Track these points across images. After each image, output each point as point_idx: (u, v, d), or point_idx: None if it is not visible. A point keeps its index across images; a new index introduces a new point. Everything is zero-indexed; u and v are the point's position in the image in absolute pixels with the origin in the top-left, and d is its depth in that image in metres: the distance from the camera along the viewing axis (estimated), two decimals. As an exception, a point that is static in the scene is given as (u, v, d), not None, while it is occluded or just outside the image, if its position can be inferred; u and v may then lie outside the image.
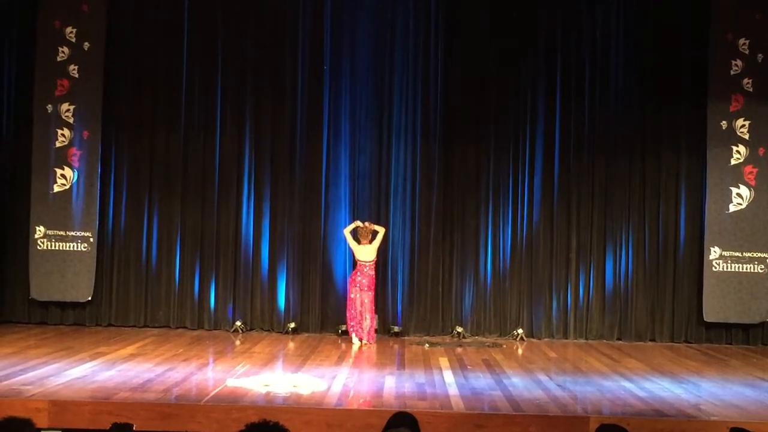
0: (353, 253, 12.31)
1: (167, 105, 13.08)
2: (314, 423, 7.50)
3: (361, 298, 12.01)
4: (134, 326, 12.83)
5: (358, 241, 12.20)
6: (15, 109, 13.01)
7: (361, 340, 11.92)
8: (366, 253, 12.13)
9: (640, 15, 13.00)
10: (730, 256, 12.55)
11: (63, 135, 12.67)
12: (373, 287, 12.16)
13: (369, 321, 12.01)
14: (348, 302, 12.20)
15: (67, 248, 12.63)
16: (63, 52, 12.68)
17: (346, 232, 12.34)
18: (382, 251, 12.50)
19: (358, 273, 12.11)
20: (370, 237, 12.19)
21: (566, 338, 12.90)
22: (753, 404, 8.45)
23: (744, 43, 12.58)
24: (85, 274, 12.68)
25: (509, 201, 13.09)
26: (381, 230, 12.29)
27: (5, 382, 8.41)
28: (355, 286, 12.07)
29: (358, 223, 12.36)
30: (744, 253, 12.55)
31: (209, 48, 13.07)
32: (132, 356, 10.26)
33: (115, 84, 12.99)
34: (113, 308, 12.94)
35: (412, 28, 13.06)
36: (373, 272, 12.16)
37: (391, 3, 13.10)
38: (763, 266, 12.54)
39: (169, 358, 10.21)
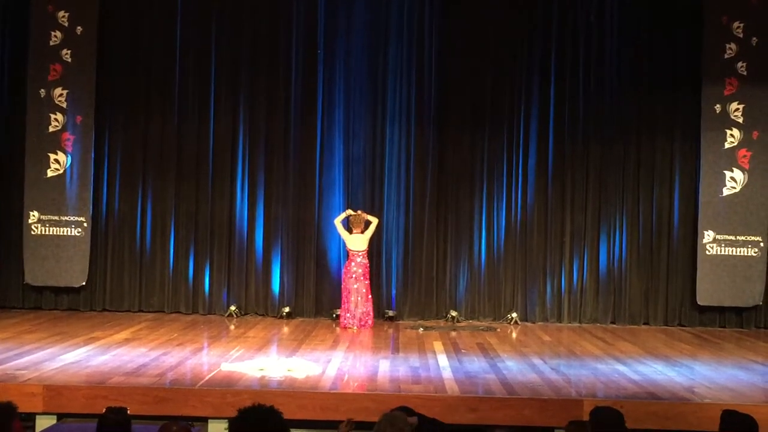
0: (345, 243, 12.30)
1: (161, 90, 13.04)
2: (309, 407, 7.53)
3: (357, 287, 11.99)
4: (128, 311, 12.83)
5: (350, 230, 12.18)
6: (8, 94, 12.96)
7: (354, 327, 11.89)
8: (357, 242, 12.11)
9: (634, -1, 13.01)
10: (723, 239, 12.57)
11: (56, 120, 12.63)
12: (367, 276, 12.14)
13: (365, 308, 12.00)
14: (342, 292, 12.18)
15: (61, 233, 12.61)
16: (56, 36, 12.62)
17: (337, 222, 12.31)
18: (376, 236, 12.51)
19: (352, 263, 12.09)
20: (362, 226, 12.17)
21: (560, 322, 12.93)
22: (746, 387, 8.48)
23: (738, 27, 12.56)
24: (79, 259, 12.66)
25: (503, 185, 13.08)
26: (374, 221, 12.28)
27: (0, 367, 8.41)
28: (350, 277, 12.06)
29: (350, 211, 12.34)
30: (738, 237, 12.56)
31: (203, 32, 13.02)
32: (126, 341, 10.26)
33: (109, 68, 12.94)
34: (107, 293, 12.94)
35: (407, 13, 13.01)
36: (366, 261, 12.14)
37: (385, -14, 13.08)
38: (756, 250, 12.56)
39: (164, 343, 10.22)
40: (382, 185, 13.02)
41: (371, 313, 12.13)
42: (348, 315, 12.01)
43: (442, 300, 13.05)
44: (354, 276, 12.03)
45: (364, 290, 12.05)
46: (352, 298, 12.00)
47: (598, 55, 13.01)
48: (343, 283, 12.20)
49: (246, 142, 13.03)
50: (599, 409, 5.47)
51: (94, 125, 12.74)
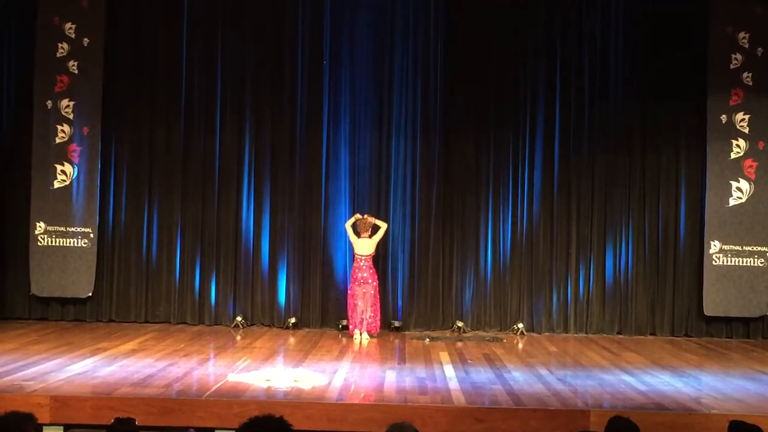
0: (352, 247, 12.32)
1: (167, 100, 13.07)
2: (315, 417, 7.53)
3: (363, 291, 12.00)
4: (135, 322, 12.83)
5: (358, 235, 12.20)
6: (15, 105, 13.01)
7: (361, 333, 11.90)
8: (364, 246, 12.14)
9: (639, 9, 12.98)
10: (730, 249, 12.55)
11: (63, 131, 12.67)
12: (375, 279, 12.16)
13: (372, 313, 12.02)
14: (348, 299, 12.21)
15: (68, 244, 12.63)
16: (62, 47, 12.67)
17: (348, 225, 12.35)
18: (382, 246, 12.52)
19: (357, 269, 12.12)
20: (369, 230, 12.19)
21: (566, 332, 12.91)
22: (753, 397, 8.47)
23: (744, 37, 12.57)
24: (86, 269, 12.68)
25: (509, 195, 13.08)
26: (383, 225, 12.30)
27: (7, 378, 8.43)
28: (357, 283, 12.07)
29: (358, 215, 12.37)
30: (744, 247, 12.54)
31: (209, 42, 13.06)
32: (133, 352, 10.27)
33: (115, 80, 12.96)
34: (114, 304, 12.94)
35: (412, 23, 13.03)
36: (371, 264, 12.16)
37: (391, -3, 13.12)
38: (763, 260, 12.54)
39: (170, 354, 10.22)
40: (387, 196, 13.03)
41: (378, 320, 12.13)
42: (355, 321, 12.03)
43: (448, 310, 13.04)
44: (362, 281, 12.05)
45: (372, 292, 12.06)
46: (359, 303, 12.01)
47: (603, 66, 13.01)
48: (350, 290, 12.22)
49: (252, 153, 13.05)
50: (616, 419, 5.47)
51: (100, 136, 12.78)
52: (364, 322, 11.99)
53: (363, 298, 12.02)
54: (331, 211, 13.02)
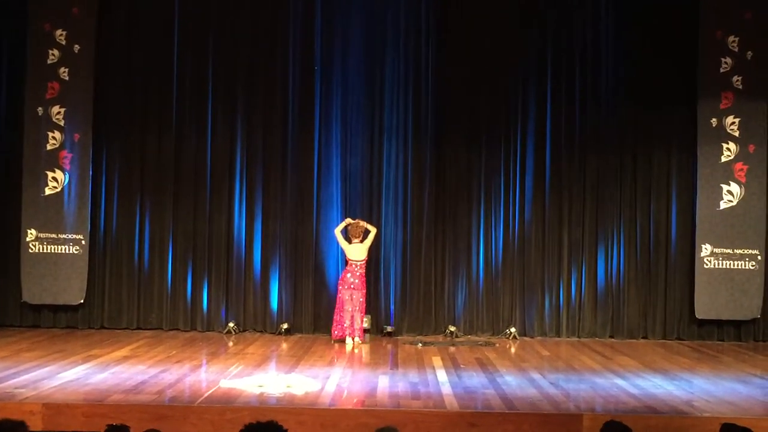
0: (344, 253, 12.32)
1: (158, 107, 13.06)
2: (308, 423, 7.51)
3: (351, 297, 12.00)
4: (127, 328, 12.80)
5: (349, 240, 12.20)
6: (5, 112, 12.97)
7: (353, 339, 11.91)
8: (357, 252, 12.13)
9: (630, 13, 13.02)
10: (721, 253, 12.58)
11: (54, 138, 12.64)
12: (364, 286, 12.15)
13: (359, 320, 12.02)
14: (337, 303, 12.20)
15: (59, 251, 12.60)
16: (53, 54, 12.65)
17: (337, 231, 12.34)
18: (374, 251, 12.52)
19: (349, 273, 12.10)
20: (361, 236, 12.19)
21: (559, 336, 12.92)
22: (745, 400, 8.48)
23: (733, 41, 12.61)
24: (77, 276, 12.65)
25: (501, 200, 13.10)
26: (373, 230, 12.30)
27: (-2, 386, 8.41)
28: (346, 287, 12.06)
29: (349, 220, 12.37)
30: (735, 250, 12.57)
31: (200, 49, 13.05)
32: (125, 358, 10.25)
33: (106, 86, 12.95)
34: (106, 311, 12.92)
35: (403, 28, 13.06)
36: (364, 271, 12.16)
37: (382, 3, 13.10)
38: (754, 263, 12.57)
39: (163, 360, 10.21)
40: (379, 201, 13.03)
41: (363, 329, 12.11)
42: (340, 326, 12.05)
43: (440, 315, 13.05)
44: (351, 286, 12.03)
45: (361, 299, 12.05)
46: (348, 308, 12.00)
47: (594, 70, 13.05)
48: (338, 294, 12.20)
49: (243, 159, 13.05)
50: (611, 423, 5.49)
51: (92, 143, 12.76)
52: (355, 329, 11.97)
53: (350, 303, 12.00)
54: (323, 216, 13.02)
